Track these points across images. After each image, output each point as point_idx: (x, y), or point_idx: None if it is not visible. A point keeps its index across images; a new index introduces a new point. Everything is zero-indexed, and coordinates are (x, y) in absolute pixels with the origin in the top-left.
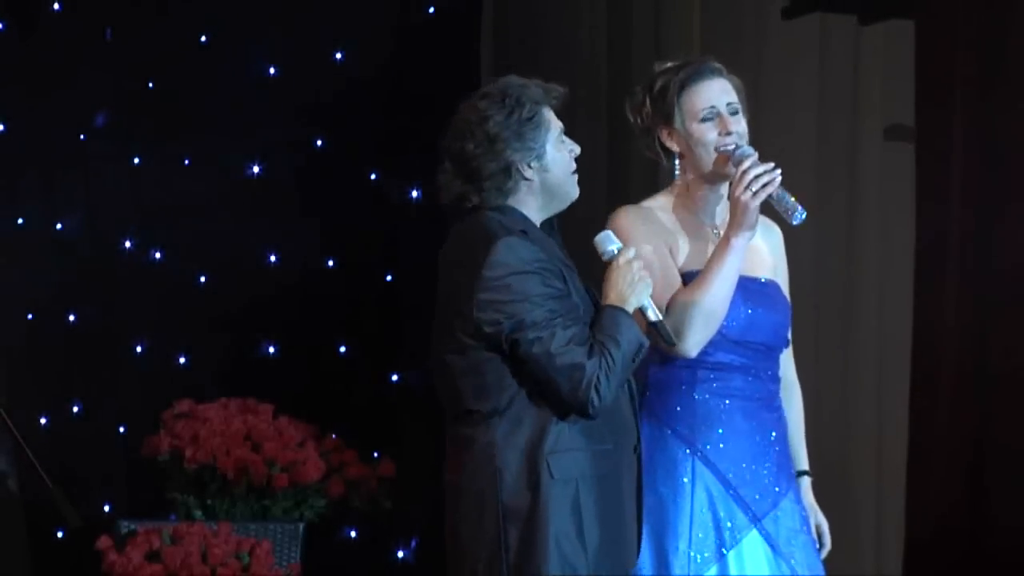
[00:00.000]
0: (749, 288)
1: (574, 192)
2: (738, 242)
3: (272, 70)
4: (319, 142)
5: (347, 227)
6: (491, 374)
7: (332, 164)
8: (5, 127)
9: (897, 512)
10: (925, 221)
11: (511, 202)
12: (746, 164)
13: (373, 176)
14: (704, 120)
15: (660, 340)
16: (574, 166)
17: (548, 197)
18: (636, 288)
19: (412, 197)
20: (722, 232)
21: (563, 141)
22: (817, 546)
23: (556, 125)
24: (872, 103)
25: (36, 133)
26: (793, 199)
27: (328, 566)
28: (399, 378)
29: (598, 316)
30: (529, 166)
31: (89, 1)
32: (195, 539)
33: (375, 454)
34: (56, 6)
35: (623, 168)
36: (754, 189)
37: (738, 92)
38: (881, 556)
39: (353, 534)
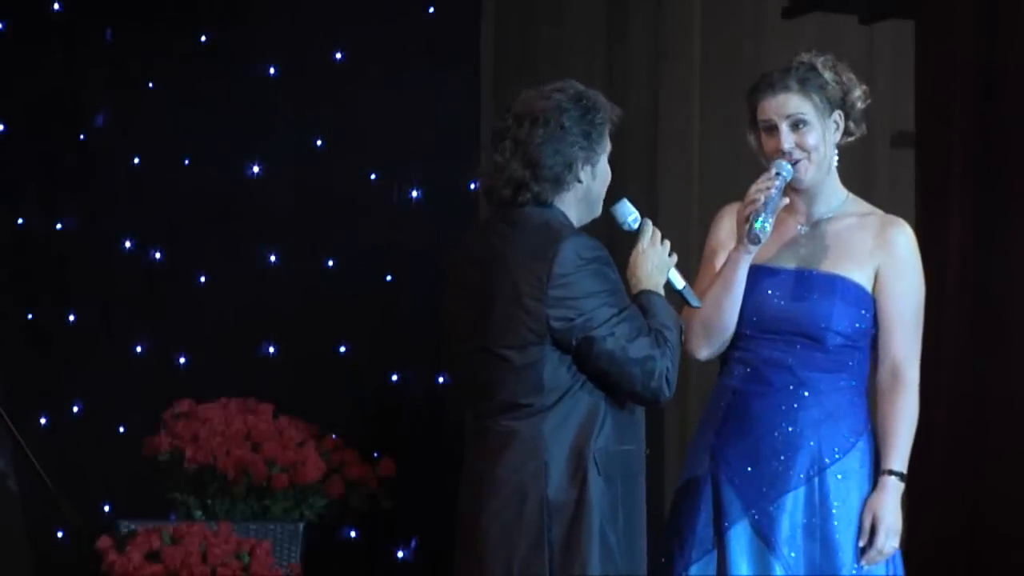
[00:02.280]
0: (790, 279)
1: (599, 211)
2: (735, 255)
3: (272, 70)
4: (319, 142)
5: (347, 227)
6: (548, 369)
7: (332, 164)
8: (5, 127)
9: None
10: (925, 221)
11: (557, 203)
12: (759, 180)
13: (373, 176)
14: (767, 131)
15: (686, 305)
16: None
17: (585, 208)
18: (664, 268)
19: (412, 197)
20: (809, 228)
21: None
22: (858, 543)
23: (608, 148)
24: (872, 103)
25: (36, 133)
26: (760, 221)
27: (328, 566)
28: (399, 378)
29: (638, 304)
30: (583, 168)
31: (89, 1)
32: (195, 539)
33: (375, 454)
34: (56, 6)
35: (621, 168)
36: (746, 202)
37: (817, 103)
38: None
39: (353, 534)
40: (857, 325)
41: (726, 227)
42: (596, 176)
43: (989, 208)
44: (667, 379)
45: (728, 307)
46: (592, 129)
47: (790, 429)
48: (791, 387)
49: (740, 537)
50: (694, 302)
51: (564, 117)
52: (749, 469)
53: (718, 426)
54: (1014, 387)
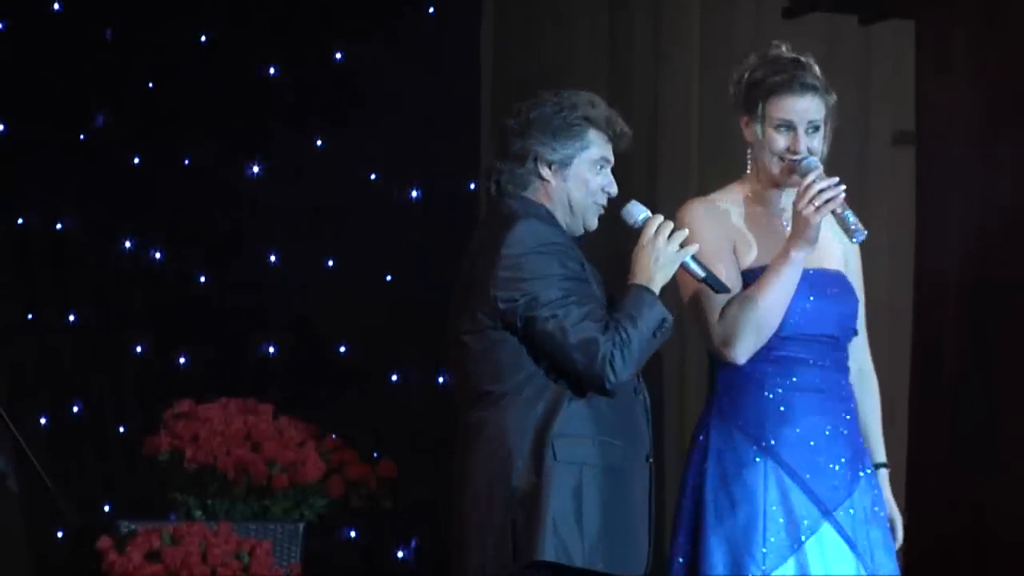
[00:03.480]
0: (815, 280)
1: (589, 222)
2: (797, 255)
3: (272, 70)
4: (319, 142)
5: (347, 227)
6: (505, 354)
7: (332, 164)
8: (5, 127)
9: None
10: (925, 220)
11: (532, 196)
12: (811, 177)
13: (373, 176)
14: (778, 128)
15: (713, 291)
16: (601, 200)
17: (562, 209)
18: (668, 262)
19: (412, 197)
20: (789, 227)
21: (599, 170)
22: (889, 536)
23: (598, 151)
24: (873, 103)
25: (36, 133)
26: (855, 217)
27: (328, 566)
28: (399, 378)
29: (621, 295)
30: (549, 167)
31: (89, 1)
32: (195, 539)
33: (375, 454)
34: (56, 6)
35: (624, 168)
36: (817, 204)
37: (828, 110)
38: None
39: (353, 534)
40: None
41: (706, 224)
42: (568, 179)
43: (988, 205)
44: (611, 365)
45: (783, 309)
46: (559, 128)
47: (836, 430)
48: (827, 388)
49: (822, 542)
50: (720, 287)
51: (534, 111)
52: (815, 474)
53: (766, 429)
54: (1015, 389)
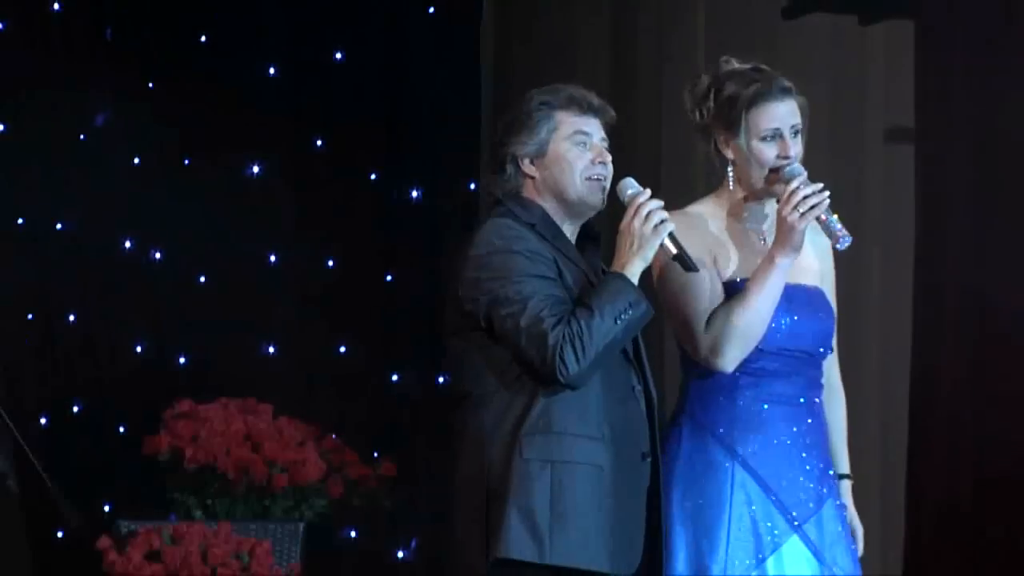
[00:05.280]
0: (793, 296)
1: (590, 198)
2: (782, 262)
3: (272, 70)
4: (319, 142)
5: (347, 227)
6: (479, 355)
7: (332, 164)
8: (5, 127)
9: (898, 513)
10: (925, 221)
11: (527, 195)
12: (795, 184)
13: (373, 176)
14: (765, 139)
15: (684, 269)
16: (593, 173)
17: (558, 199)
18: (645, 244)
19: (412, 197)
20: (769, 240)
21: (583, 147)
22: (856, 551)
23: (570, 127)
24: (872, 103)
25: (36, 133)
26: (840, 224)
27: (328, 566)
28: (399, 378)
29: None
30: (531, 162)
31: (89, 1)
32: (195, 539)
33: (375, 454)
34: (56, 6)
35: (628, 169)
36: (801, 210)
37: (803, 112)
38: (884, 557)
39: (353, 534)
40: None
41: (684, 237)
42: (549, 165)
43: (988, 205)
44: (561, 358)
45: (770, 316)
46: (525, 119)
47: (806, 444)
48: (799, 403)
49: (789, 553)
50: (692, 267)
51: (502, 121)
52: (784, 486)
53: (736, 438)
54: (1014, 382)
